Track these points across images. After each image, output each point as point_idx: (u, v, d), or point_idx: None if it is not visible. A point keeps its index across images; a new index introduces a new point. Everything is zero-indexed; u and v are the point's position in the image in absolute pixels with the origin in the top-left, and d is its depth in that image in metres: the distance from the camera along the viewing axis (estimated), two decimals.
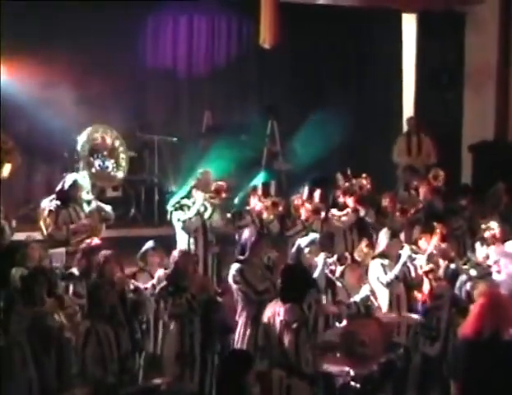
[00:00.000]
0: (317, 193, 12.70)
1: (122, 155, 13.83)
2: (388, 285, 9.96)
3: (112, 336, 8.05)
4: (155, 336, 9.56)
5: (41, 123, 13.16)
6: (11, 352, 8.15)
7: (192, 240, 11.50)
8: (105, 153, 13.71)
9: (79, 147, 13.53)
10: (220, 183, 11.86)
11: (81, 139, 13.56)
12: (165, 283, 8.98)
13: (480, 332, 7.50)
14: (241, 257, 9.58)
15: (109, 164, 13.77)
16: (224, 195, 11.71)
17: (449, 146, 15.78)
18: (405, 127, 15.76)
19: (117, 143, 13.84)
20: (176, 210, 11.67)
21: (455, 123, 16.18)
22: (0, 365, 8.10)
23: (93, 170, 13.47)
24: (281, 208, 12.23)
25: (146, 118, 14.80)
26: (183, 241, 11.60)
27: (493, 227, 11.20)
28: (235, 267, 9.33)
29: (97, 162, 13.66)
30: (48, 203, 11.59)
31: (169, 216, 11.95)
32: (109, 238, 11.15)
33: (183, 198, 11.80)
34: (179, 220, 11.54)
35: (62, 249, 10.96)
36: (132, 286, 8.96)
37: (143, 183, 14.39)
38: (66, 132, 13.41)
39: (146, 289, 9.35)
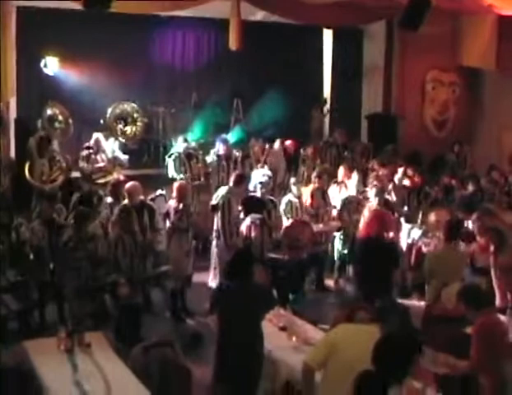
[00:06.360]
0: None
1: (139, 122, 13.55)
2: None
3: (131, 241, 8.27)
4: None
5: (87, 99, 13.34)
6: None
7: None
8: (129, 120, 13.33)
9: (108, 115, 13.14)
10: None
11: (109, 110, 13.18)
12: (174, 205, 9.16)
13: (368, 234, 7.92)
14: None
15: (128, 128, 13.27)
16: None
17: (353, 117, 16.05)
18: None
19: (136, 114, 13.53)
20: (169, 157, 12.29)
21: (357, 101, 16.30)
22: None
23: (118, 132, 13.09)
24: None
25: (154, 96, 14.69)
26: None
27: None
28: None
29: (119, 126, 13.14)
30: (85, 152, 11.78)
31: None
32: (130, 175, 11.37)
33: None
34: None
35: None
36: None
37: (152, 140, 14.42)
38: (102, 105, 13.42)
39: None
